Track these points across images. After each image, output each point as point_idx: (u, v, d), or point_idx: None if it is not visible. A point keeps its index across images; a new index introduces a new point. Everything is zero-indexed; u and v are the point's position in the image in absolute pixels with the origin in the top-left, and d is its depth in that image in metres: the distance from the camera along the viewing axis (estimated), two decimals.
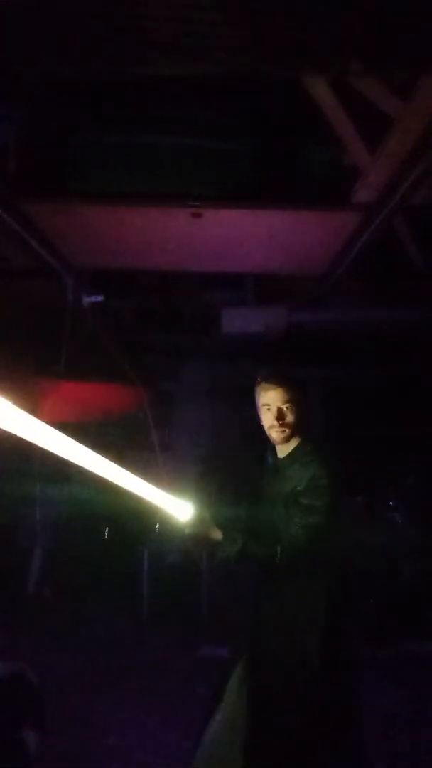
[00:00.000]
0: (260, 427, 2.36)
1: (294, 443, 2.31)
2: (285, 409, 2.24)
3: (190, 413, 6.40)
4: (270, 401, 2.25)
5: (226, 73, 2.22)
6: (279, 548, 2.11)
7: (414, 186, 2.65)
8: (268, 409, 2.26)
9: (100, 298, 4.02)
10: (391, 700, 3.64)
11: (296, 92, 2.38)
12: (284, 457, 2.33)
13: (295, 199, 2.90)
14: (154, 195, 2.87)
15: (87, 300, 3.99)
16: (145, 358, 5.62)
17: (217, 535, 2.16)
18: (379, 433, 5.62)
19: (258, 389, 2.30)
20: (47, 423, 1.53)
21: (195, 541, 2.25)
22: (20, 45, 2.00)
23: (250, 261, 3.83)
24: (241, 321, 4.39)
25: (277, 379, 2.26)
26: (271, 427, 2.26)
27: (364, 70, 2.14)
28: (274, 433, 2.28)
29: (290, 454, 2.31)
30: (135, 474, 2.17)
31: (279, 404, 2.24)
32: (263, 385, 2.28)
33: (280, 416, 2.24)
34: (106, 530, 5.66)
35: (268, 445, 2.42)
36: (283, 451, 2.35)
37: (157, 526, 5.14)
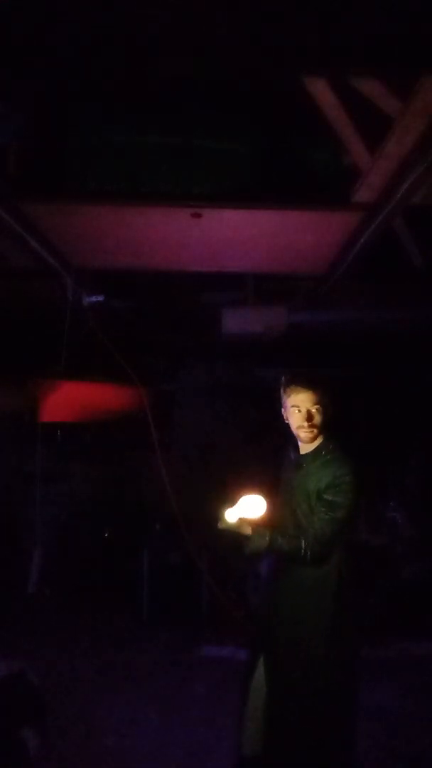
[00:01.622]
0: (286, 425, 2.50)
1: (317, 442, 2.45)
2: (314, 410, 2.39)
3: (190, 413, 6.40)
4: (300, 403, 2.40)
5: (227, 73, 2.22)
6: (304, 542, 2.26)
7: (414, 186, 2.65)
8: (299, 410, 2.40)
9: (100, 298, 4.02)
10: (390, 700, 3.64)
11: (296, 92, 2.38)
12: (306, 454, 2.46)
13: (295, 199, 2.90)
14: (154, 195, 2.87)
15: (87, 300, 3.99)
16: (145, 358, 5.62)
17: (247, 530, 2.29)
18: (379, 433, 5.62)
19: (288, 391, 2.44)
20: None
21: (227, 535, 2.36)
22: (20, 46, 2.00)
23: (250, 261, 3.83)
24: (241, 321, 4.38)
25: (308, 382, 2.41)
26: (300, 427, 2.40)
27: (364, 70, 2.14)
28: (303, 433, 2.41)
29: (313, 452, 2.44)
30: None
31: (308, 406, 2.39)
32: (294, 387, 2.42)
33: (309, 417, 2.38)
34: (106, 530, 5.66)
35: (290, 442, 2.55)
36: (305, 448, 2.48)
37: (157, 526, 5.14)
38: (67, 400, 3.90)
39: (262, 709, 2.38)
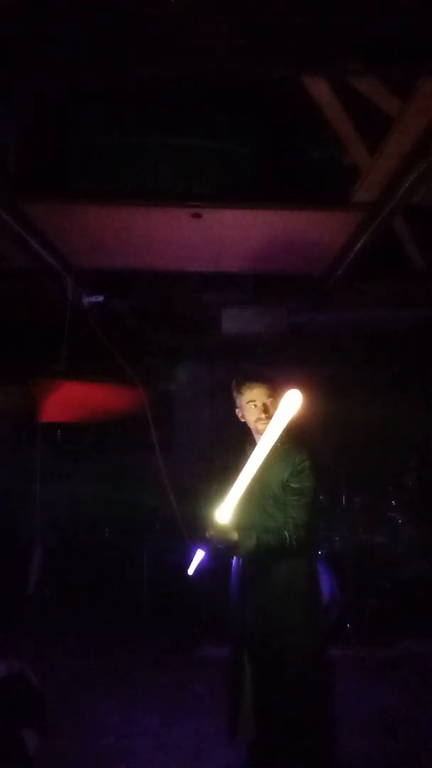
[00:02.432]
0: (242, 423, 2.62)
1: None
2: (269, 403, 2.51)
3: (190, 413, 6.40)
4: (255, 397, 2.53)
5: (226, 73, 2.22)
6: (287, 533, 2.36)
7: (414, 186, 2.65)
8: (255, 405, 2.53)
9: (100, 298, 4.02)
10: (390, 700, 3.64)
11: (296, 92, 2.38)
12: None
13: (295, 199, 2.91)
14: (154, 195, 2.87)
15: (87, 300, 3.99)
16: (145, 358, 5.62)
17: (234, 535, 2.37)
18: (379, 432, 5.61)
19: (242, 389, 2.57)
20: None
21: (216, 542, 2.42)
22: (20, 47, 2.00)
23: (250, 261, 3.83)
24: (241, 321, 4.39)
25: (261, 377, 2.55)
26: (258, 420, 2.52)
27: (364, 70, 2.14)
28: (261, 425, 2.51)
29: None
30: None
31: (263, 399, 2.52)
32: (248, 384, 2.55)
33: (265, 410, 2.51)
34: (106, 530, 5.66)
35: (247, 439, 2.65)
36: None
37: (157, 526, 5.14)
38: (67, 400, 3.90)
39: (252, 699, 2.47)
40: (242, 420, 2.61)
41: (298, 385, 2.35)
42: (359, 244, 3.27)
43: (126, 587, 5.00)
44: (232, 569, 2.63)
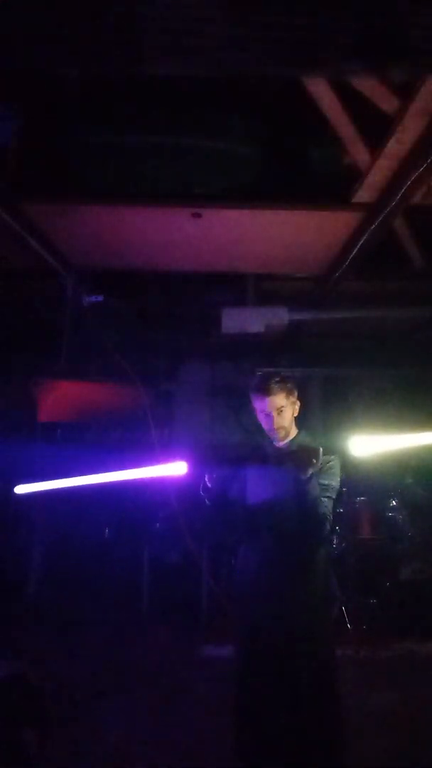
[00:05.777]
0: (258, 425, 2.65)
1: (292, 434, 2.61)
2: (275, 414, 2.54)
3: (190, 413, 6.39)
4: (263, 408, 2.56)
5: (227, 73, 2.22)
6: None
7: (414, 186, 2.65)
8: (265, 414, 2.56)
9: (100, 298, 4.02)
10: (390, 700, 3.64)
11: (297, 92, 2.38)
12: (283, 447, 2.60)
13: (295, 199, 2.91)
14: (154, 195, 2.87)
15: (87, 300, 3.99)
16: (145, 358, 5.61)
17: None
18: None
19: (252, 397, 2.60)
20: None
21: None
22: (19, 46, 2.00)
23: (250, 261, 3.83)
24: (241, 321, 4.38)
25: (266, 389, 2.55)
26: (270, 430, 2.57)
27: (364, 70, 2.14)
28: (272, 435, 2.58)
29: (289, 445, 2.59)
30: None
31: (270, 410, 2.54)
32: (255, 394, 2.58)
33: (273, 421, 2.54)
34: (106, 530, 5.66)
35: (265, 438, 2.66)
36: (282, 441, 2.62)
37: (157, 525, 5.14)
38: (67, 399, 3.90)
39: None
40: (259, 422, 2.64)
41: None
42: (359, 244, 3.27)
43: (126, 587, 5.00)
44: (241, 569, 2.59)
